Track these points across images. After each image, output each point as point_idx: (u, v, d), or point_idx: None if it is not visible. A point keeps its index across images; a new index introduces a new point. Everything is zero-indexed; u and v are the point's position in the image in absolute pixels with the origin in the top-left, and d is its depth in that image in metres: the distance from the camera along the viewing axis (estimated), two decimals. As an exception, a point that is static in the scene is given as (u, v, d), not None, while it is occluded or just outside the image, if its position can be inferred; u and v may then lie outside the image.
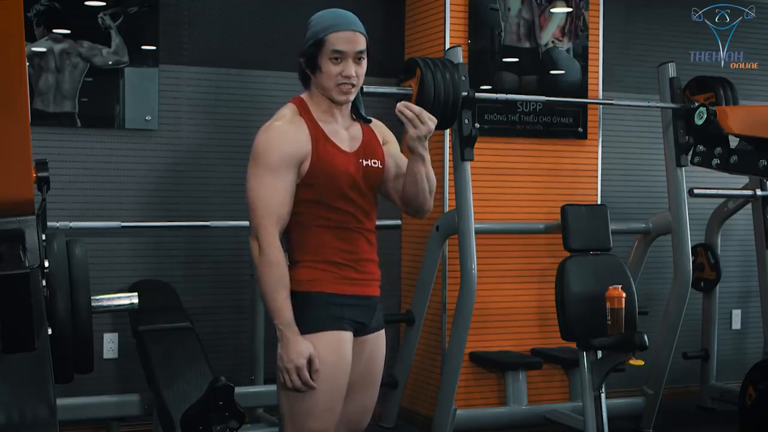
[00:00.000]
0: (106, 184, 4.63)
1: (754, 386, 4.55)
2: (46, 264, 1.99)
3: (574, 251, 4.38)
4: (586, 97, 5.01)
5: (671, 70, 4.85)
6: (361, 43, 2.55)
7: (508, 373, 4.75)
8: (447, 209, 4.72)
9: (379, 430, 4.86)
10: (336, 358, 2.50)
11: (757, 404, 4.51)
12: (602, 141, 5.10)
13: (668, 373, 4.89)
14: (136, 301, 2.28)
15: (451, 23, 4.76)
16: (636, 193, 5.58)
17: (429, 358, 4.93)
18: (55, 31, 4.50)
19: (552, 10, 4.97)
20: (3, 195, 1.78)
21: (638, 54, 5.61)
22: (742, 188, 5.37)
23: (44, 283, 1.98)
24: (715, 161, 4.16)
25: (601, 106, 5.06)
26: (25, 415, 1.80)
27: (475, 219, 4.40)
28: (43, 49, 4.47)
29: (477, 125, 4.55)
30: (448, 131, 4.58)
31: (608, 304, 4.08)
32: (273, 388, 3.16)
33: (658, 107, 4.95)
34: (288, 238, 2.56)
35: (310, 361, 2.45)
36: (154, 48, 4.69)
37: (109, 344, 4.61)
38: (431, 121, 2.54)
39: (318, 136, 2.53)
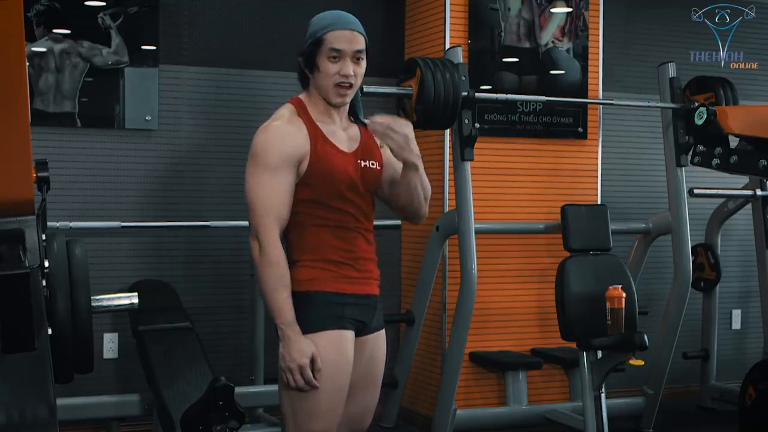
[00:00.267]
0: (106, 184, 4.63)
1: (754, 386, 4.55)
2: (46, 264, 1.99)
3: (574, 251, 4.38)
4: (586, 97, 5.01)
5: (671, 70, 4.85)
6: (360, 42, 2.54)
7: (508, 373, 4.75)
8: (447, 209, 4.72)
9: (380, 430, 4.86)
10: (338, 358, 2.50)
11: (757, 404, 4.51)
12: (602, 141, 5.10)
13: (668, 373, 4.89)
14: (136, 301, 2.28)
15: (451, 23, 4.76)
16: (636, 193, 5.58)
17: (429, 358, 4.93)
18: (55, 31, 4.50)
19: (552, 10, 4.97)
20: (3, 195, 1.78)
21: (638, 54, 5.61)
22: (742, 188, 5.37)
23: (44, 283, 1.98)
24: (715, 161, 4.16)
25: (601, 106, 5.06)
26: (25, 415, 1.80)
27: (475, 219, 4.40)
28: (43, 49, 4.47)
29: (477, 125, 4.55)
30: (448, 131, 4.58)
31: (608, 304, 4.08)
32: (273, 388, 3.15)
33: (658, 107, 4.95)
34: (286, 237, 2.55)
35: (312, 361, 2.45)
36: (154, 48, 4.69)
37: (109, 344, 4.61)
38: (405, 126, 2.50)
39: (317, 136, 2.53)
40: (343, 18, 2.56)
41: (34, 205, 1.93)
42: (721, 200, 5.47)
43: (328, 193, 2.52)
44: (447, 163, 4.72)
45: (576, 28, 5.01)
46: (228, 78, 4.86)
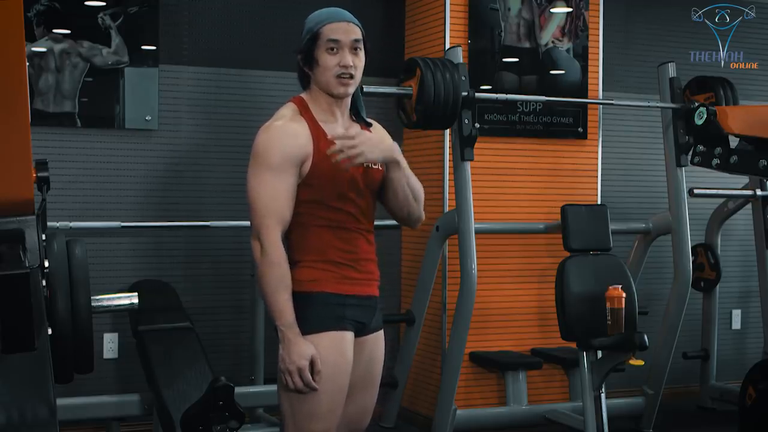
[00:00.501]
0: (106, 184, 4.63)
1: (754, 386, 4.55)
2: (46, 264, 1.99)
3: (574, 251, 4.38)
4: (586, 97, 5.01)
5: (671, 70, 4.84)
6: (356, 32, 2.54)
7: (508, 373, 4.75)
8: (447, 209, 4.72)
9: (379, 430, 4.86)
10: (338, 359, 2.49)
11: (757, 404, 4.51)
12: (602, 141, 5.10)
13: (668, 373, 4.89)
14: (136, 301, 2.28)
15: (451, 23, 4.76)
16: (636, 193, 5.58)
17: (429, 358, 4.93)
18: (55, 31, 4.50)
19: (552, 10, 4.97)
20: (3, 195, 1.78)
21: (638, 54, 5.61)
22: (742, 188, 5.37)
23: (44, 283, 1.98)
24: (715, 161, 4.16)
25: (601, 106, 5.06)
26: (25, 415, 1.80)
27: (475, 219, 4.40)
28: (43, 49, 4.47)
29: (477, 125, 4.55)
30: (448, 131, 4.58)
31: (608, 304, 4.08)
32: (273, 388, 3.15)
33: (658, 107, 4.95)
34: (288, 238, 2.54)
35: (312, 363, 2.44)
36: (154, 48, 4.69)
37: (109, 344, 4.61)
38: (358, 137, 2.45)
39: (319, 136, 2.52)
40: (338, 11, 2.57)
41: (34, 205, 1.93)
42: (721, 200, 5.47)
43: (330, 193, 2.51)
44: (447, 163, 4.72)
45: (576, 28, 5.01)
46: (228, 78, 4.86)
